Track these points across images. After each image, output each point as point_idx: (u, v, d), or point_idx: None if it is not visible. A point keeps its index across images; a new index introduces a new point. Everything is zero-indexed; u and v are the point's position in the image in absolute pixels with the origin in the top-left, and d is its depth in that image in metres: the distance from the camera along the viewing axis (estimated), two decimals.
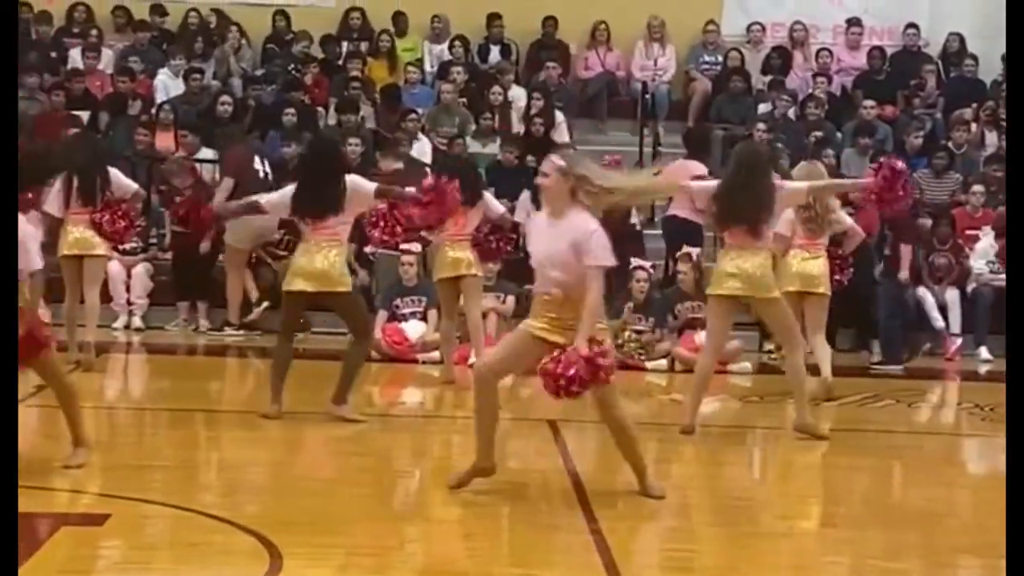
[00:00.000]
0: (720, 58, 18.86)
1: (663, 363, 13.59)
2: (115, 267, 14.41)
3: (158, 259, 15.41)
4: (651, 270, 14.13)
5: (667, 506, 8.09)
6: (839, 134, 17.56)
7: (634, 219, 15.66)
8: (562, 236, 7.57)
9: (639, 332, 13.68)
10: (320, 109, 17.56)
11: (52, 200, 12.22)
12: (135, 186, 12.64)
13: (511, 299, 14.05)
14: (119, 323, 14.79)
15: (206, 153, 16.25)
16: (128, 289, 14.90)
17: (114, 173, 12.23)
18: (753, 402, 12.25)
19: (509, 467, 9.38)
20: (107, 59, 18.35)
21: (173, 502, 7.49)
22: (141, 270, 15.05)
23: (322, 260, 9.91)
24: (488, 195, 12.46)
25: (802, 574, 6.93)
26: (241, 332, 14.70)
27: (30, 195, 13.42)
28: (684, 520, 7.98)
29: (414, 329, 13.64)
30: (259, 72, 18.32)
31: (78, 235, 12.04)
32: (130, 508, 7.44)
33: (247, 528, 6.95)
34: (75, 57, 18.31)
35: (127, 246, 14.10)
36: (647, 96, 18.55)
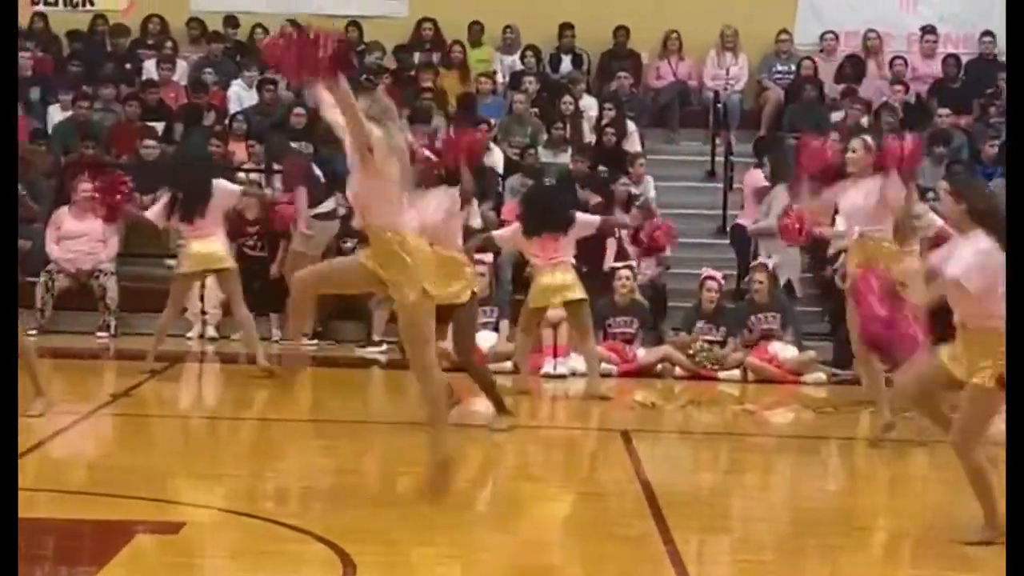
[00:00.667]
0: (793, 67, 18.74)
1: (736, 373, 13.51)
2: None
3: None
4: (722, 280, 14.05)
5: (741, 517, 8.04)
6: None
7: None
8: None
9: (710, 343, 13.60)
10: None
11: (155, 211, 12.59)
12: (238, 189, 13.04)
13: None
14: (192, 333, 14.88)
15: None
16: (202, 299, 14.98)
17: (218, 184, 12.42)
18: (828, 413, 12.15)
19: (583, 477, 9.37)
20: (181, 70, 18.50)
21: (246, 510, 7.53)
22: (213, 281, 15.13)
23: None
24: (579, 216, 12.29)
25: None
26: (314, 341, 14.74)
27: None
28: (758, 531, 7.92)
29: (485, 339, 13.63)
30: None
31: (203, 251, 12.17)
32: (204, 516, 7.48)
33: (320, 537, 6.97)
34: (150, 69, 18.47)
35: None
36: (719, 105, 18.46)
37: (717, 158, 17.75)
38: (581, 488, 8.59)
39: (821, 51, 18.96)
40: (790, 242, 12.71)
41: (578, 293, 11.84)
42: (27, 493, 7.75)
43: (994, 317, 6.90)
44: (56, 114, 17.44)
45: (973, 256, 7.02)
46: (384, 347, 14.05)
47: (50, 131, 17.06)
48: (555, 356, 13.24)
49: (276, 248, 14.97)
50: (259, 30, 18.67)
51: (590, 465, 9.53)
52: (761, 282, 13.70)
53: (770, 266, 13.89)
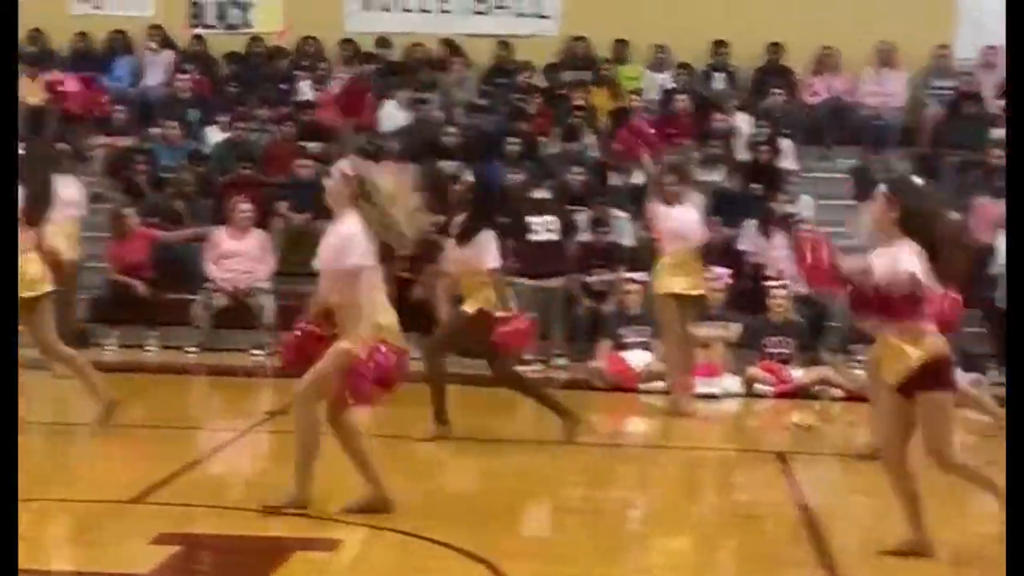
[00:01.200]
0: (953, 82, 18.38)
1: None
2: None
3: None
4: None
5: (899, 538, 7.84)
6: None
7: None
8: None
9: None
10: (543, 138, 17.61)
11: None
12: None
13: (735, 326, 13.82)
14: None
15: None
16: None
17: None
18: (989, 437, 11.84)
19: (736, 500, 9.24)
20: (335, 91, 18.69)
21: (402, 528, 7.52)
22: None
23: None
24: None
25: None
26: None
27: None
28: (920, 559, 7.73)
29: (638, 358, 13.54)
30: (481, 102, 18.46)
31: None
32: (360, 534, 7.50)
33: (476, 555, 6.94)
34: (304, 89, 18.71)
35: None
36: (876, 122, 18.17)
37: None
38: (734, 510, 8.46)
39: (982, 65, 18.56)
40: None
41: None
42: (185, 508, 7.86)
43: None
44: (214, 135, 17.73)
45: (896, 263, 6.85)
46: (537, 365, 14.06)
47: (208, 152, 17.34)
48: (708, 375, 13.09)
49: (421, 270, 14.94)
50: (419, 47, 18.85)
51: (744, 487, 9.38)
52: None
53: None
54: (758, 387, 13.12)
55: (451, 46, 18.95)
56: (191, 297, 15.07)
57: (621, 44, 18.99)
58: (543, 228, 15.21)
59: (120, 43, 19.33)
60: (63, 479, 8.92)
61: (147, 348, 14.82)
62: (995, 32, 18.82)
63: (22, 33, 19.25)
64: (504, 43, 19.14)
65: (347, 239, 7.51)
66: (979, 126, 17.49)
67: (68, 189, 12.72)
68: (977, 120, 17.61)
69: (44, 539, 7.35)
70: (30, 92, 18.37)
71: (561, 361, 14.49)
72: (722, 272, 13.72)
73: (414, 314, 14.49)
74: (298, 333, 8.00)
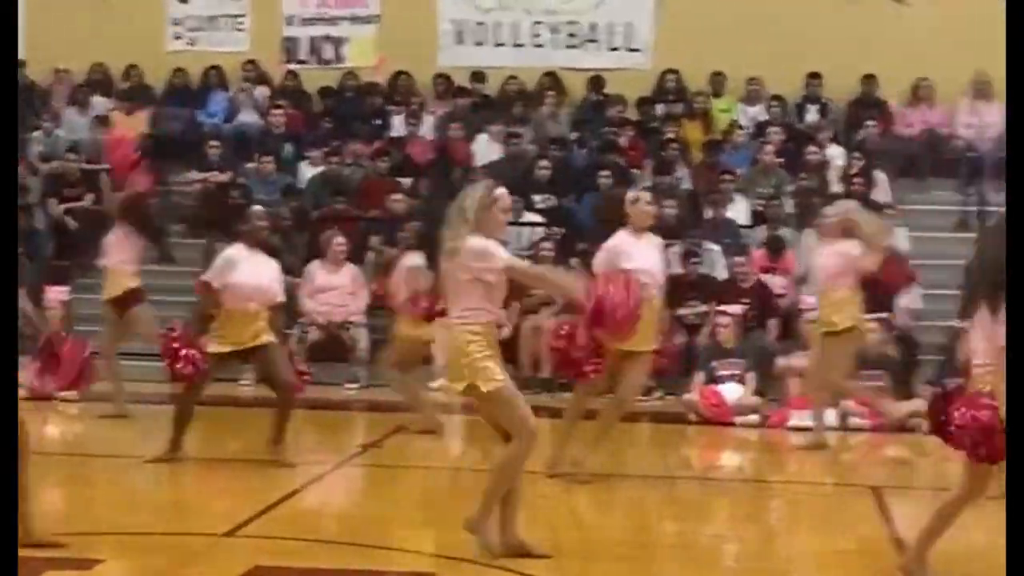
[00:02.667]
0: None
1: None
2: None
3: None
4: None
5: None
6: None
7: None
8: None
9: None
10: (635, 171, 17.61)
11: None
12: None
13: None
14: (437, 383, 14.98)
15: (529, 216, 16.45)
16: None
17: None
18: None
19: (830, 534, 9.16)
20: (428, 125, 18.82)
21: (492, 562, 7.52)
22: None
23: None
24: None
25: None
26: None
27: None
28: None
29: (732, 392, 13.48)
30: (574, 136, 18.49)
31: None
32: (449, 568, 7.50)
33: None
34: (398, 124, 18.84)
35: None
36: (972, 154, 17.98)
37: (970, 208, 17.29)
38: (834, 546, 8.38)
39: None
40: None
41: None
42: (279, 541, 7.92)
43: None
44: (307, 170, 17.90)
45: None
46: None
47: (302, 186, 17.51)
48: (801, 408, 12.99)
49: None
50: (512, 81, 18.92)
51: (837, 522, 9.29)
52: None
53: None
54: (853, 420, 13.01)
55: (552, 78, 19.00)
56: (286, 331, 15.19)
57: (715, 77, 18.95)
58: None
59: (215, 78, 19.58)
60: (165, 512, 9.02)
61: (242, 382, 14.95)
62: None
63: (118, 69, 19.58)
64: (596, 77, 19.17)
65: None
66: None
67: None
68: None
69: (144, 571, 7.42)
70: (123, 124, 18.69)
71: (657, 394, 14.42)
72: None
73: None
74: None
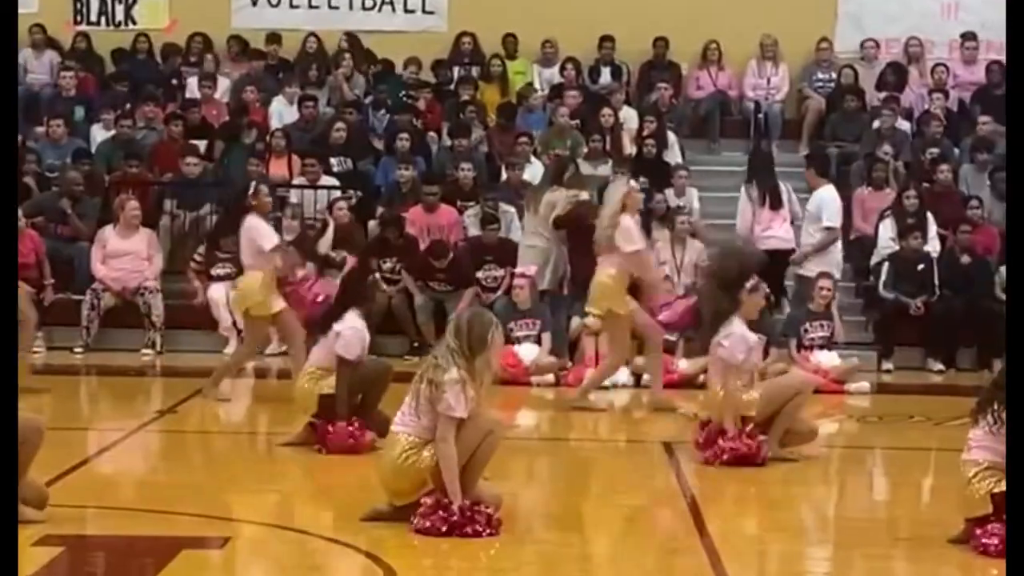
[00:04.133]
0: (834, 75, 18.67)
1: None
2: None
3: None
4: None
5: (785, 528, 8.02)
6: (956, 150, 17.32)
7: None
8: None
9: None
10: (432, 134, 17.64)
11: None
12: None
13: None
14: (229, 348, 14.84)
15: (326, 180, 16.37)
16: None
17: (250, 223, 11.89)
18: (872, 422, 12.09)
19: (624, 490, 9.36)
20: (223, 88, 18.59)
21: (291, 525, 7.55)
22: None
23: None
24: None
25: None
26: None
27: None
28: (802, 542, 7.90)
29: (528, 352, 13.62)
30: (370, 98, 18.44)
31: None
32: (249, 531, 7.51)
33: (366, 551, 6.99)
34: (192, 87, 18.57)
35: None
36: (760, 115, 18.42)
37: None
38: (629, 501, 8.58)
39: (862, 59, 18.89)
40: None
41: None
42: (74, 509, 7.82)
43: None
44: (99, 133, 17.55)
45: None
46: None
47: (94, 150, 17.17)
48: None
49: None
50: (311, 39, 18.78)
51: (632, 476, 9.51)
52: (828, 290, 13.68)
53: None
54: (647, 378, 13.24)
55: (352, 40, 18.88)
56: (78, 297, 14.95)
57: (510, 39, 19.05)
58: None
59: None
60: None
61: (33, 349, 14.66)
62: (873, 27, 19.24)
63: None
64: (394, 39, 19.10)
65: None
66: (859, 118, 17.82)
67: None
68: (858, 112, 17.93)
69: None
70: None
71: None
72: None
73: None
74: None
